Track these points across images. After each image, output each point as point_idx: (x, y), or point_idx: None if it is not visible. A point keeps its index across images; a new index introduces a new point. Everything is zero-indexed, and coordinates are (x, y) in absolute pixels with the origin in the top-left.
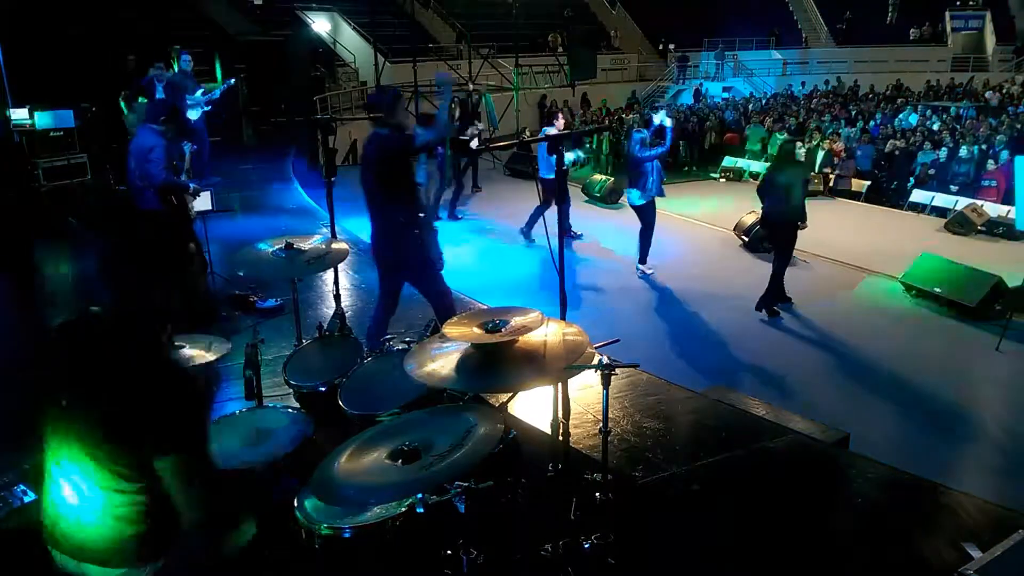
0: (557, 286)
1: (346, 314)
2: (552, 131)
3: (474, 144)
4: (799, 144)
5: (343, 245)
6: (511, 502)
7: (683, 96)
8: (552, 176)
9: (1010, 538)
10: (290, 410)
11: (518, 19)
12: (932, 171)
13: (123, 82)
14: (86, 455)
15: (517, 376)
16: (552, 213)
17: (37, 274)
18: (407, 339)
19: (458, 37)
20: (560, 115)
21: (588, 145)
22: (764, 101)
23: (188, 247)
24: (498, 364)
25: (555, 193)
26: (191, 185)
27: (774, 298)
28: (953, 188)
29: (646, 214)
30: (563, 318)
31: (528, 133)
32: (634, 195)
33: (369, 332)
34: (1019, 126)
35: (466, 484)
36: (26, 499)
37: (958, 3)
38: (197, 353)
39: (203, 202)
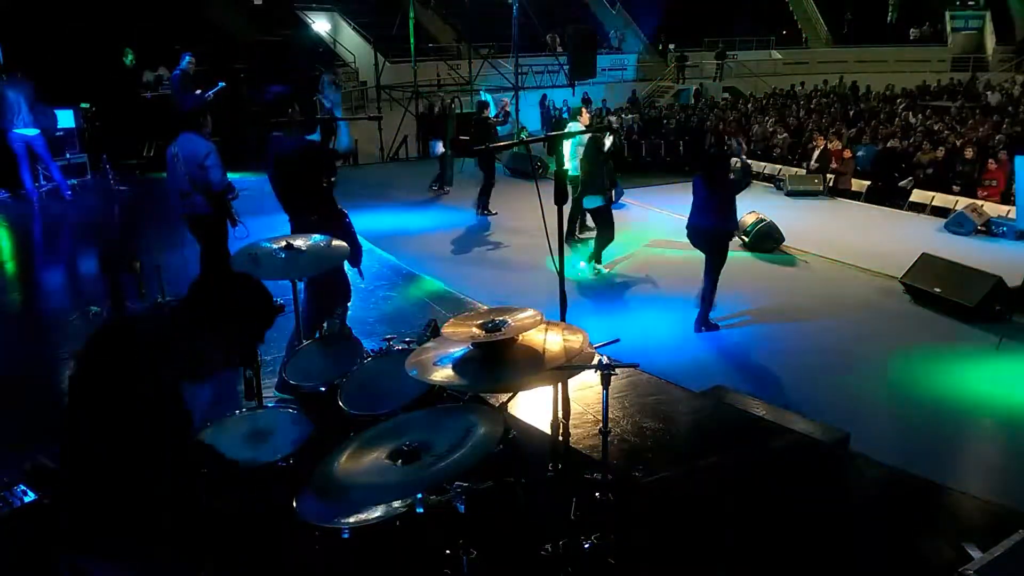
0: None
1: (346, 314)
2: None
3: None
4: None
5: (342, 244)
6: (511, 502)
7: (683, 96)
8: None
9: (1010, 538)
10: (290, 410)
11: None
12: (931, 171)
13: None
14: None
15: (517, 376)
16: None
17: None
18: (407, 339)
19: (458, 37)
20: None
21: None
22: (763, 101)
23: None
24: (498, 364)
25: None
26: (235, 187)
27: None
28: (954, 188)
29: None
30: (563, 318)
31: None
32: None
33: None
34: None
35: (466, 484)
36: (26, 499)
37: (958, 3)
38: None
39: None
